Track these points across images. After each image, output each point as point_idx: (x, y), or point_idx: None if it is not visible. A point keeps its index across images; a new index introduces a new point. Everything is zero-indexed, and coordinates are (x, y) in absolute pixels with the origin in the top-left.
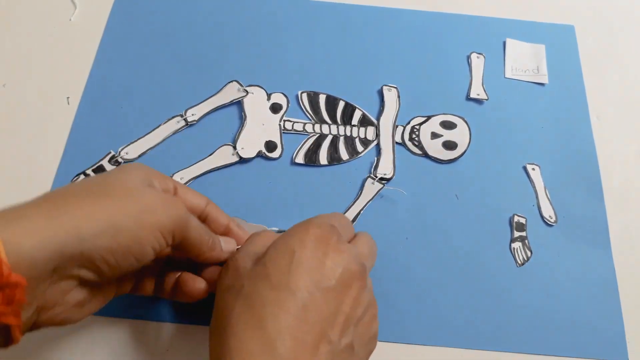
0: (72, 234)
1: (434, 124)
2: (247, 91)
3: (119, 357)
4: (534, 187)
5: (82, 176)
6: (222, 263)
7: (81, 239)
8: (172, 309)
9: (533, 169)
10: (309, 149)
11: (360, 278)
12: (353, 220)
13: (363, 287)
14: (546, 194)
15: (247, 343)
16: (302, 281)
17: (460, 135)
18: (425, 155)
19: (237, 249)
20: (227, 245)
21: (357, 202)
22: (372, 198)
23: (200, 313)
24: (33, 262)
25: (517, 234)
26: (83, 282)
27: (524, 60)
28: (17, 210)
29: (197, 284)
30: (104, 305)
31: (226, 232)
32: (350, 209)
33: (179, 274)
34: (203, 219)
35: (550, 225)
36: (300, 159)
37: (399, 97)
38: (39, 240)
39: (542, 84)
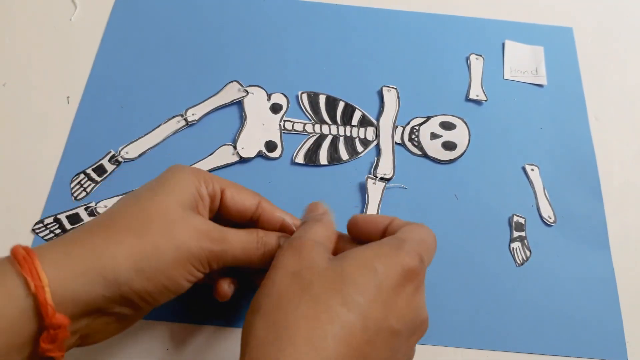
0: (110, 278)
1: (433, 125)
2: (247, 91)
3: (119, 357)
4: (533, 187)
5: (82, 175)
6: None
7: (119, 283)
8: (172, 309)
9: (532, 170)
10: (309, 149)
11: (423, 332)
12: None
13: (420, 337)
14: (545, 194)
15: (301, 355)
16: (377, 313)
17: (459, 135)
18: (425, 155)
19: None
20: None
21: (370, 205)
22: (382, 198)
23: (201, 313)
24: (76, 303)
25: (516, 234)
26: (123, 315)
27: (523, 62)
28: (61, 246)
29: (228, 289)
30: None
31: (283, 229)
32: (367, 213)
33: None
34: (255, 218)
35: (550, 226)
36: (300, 159)
37: (398, 97)
38: (82, 283)
39: (540, 86)
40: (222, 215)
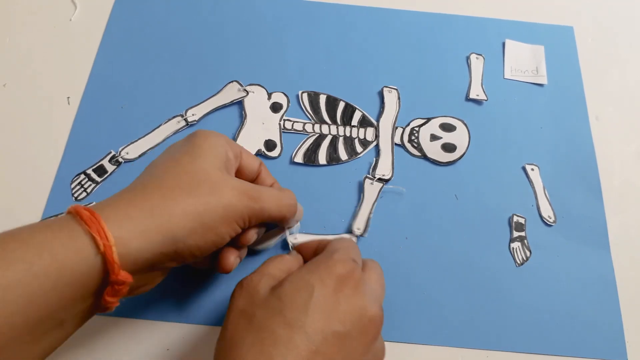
0: (169, 236)
1: (433, 126)
2: (247, 91)
3: (119, 357)
4: (533, 187)
5: (82, 176)
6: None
7: (176, 240)
8: (173, 309)
9: (532, 169)
10: (308, 149)
11: (378, 324)
12: (365, 224)
13: (379, 332)
14: (545, 194)
15: None
16: (318, 323)
17: (459, 137)
18: (424, 157)
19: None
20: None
21: (364, 204)
22: (377, 198)
23: (201, 312)
24: (136, 261)
25: (516, 234)
26: (169, 268)
27: (523, 61)
28: (120, 208)
29: (232, 259)
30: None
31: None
32: (360, 212)
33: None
34: (255, 178)
35: (550, 225)
36: (299, 158)
37: (399, 98)
38: (143, 242)
39: (541, 85)
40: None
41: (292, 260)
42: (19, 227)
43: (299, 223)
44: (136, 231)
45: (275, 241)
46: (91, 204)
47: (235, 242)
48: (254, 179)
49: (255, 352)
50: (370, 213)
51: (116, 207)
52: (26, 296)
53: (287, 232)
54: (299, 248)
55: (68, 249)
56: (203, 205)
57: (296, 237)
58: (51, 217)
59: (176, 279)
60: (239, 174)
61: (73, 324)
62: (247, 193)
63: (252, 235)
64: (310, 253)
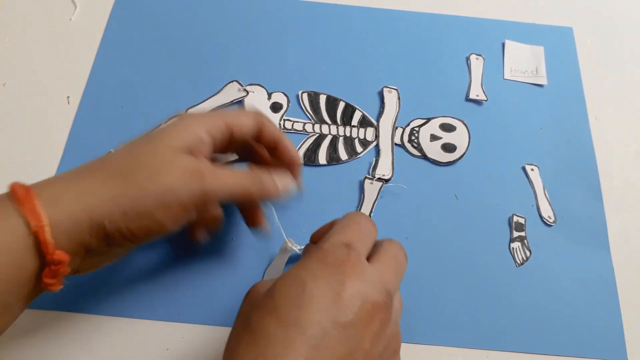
0: (96, 219)
1: (433, 126)
2: (247, 91)
3: (119, 357)
4: (533, 187)
5: None
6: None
7: (103, 224)
8: (173, 309)
9: (532, 170)
10: (308, 149)
11: (384, 309)
12: None
13: (387, 319)
14: (545, 194)
15: None
16: (314, 317)
17: (459, 137)
18: (424, 157)
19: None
20: (281, 180)
21: (364, 204)
22: (377, 197)
23: (201, 312)
24: (68, 241)
25: (516, 234)
26: (112, 251)
27: (523, 62)
28: (53, 186)
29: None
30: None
31: (275, 148)
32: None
33: None
34: (257, 136)
35: (549, 225)
36: None
37: (399, 98)
38: (71, 223)
39: (540, 85)
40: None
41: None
42: None
43: (296, 238)
44: (65, 211)
45: (282, 261)
46: (35, 182)
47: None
48: (257, 137)
49: (252, 355)
50: (370, 212)
51: (54, 185)
52: None
53: (288, 244)
54: (316, 237)
55: (3, 229)
56: (137, 190)
57: (297, 246)
58: None
59: (176, 279)
60: (233, 145)
61: (19, 306)
62: (198, 172)
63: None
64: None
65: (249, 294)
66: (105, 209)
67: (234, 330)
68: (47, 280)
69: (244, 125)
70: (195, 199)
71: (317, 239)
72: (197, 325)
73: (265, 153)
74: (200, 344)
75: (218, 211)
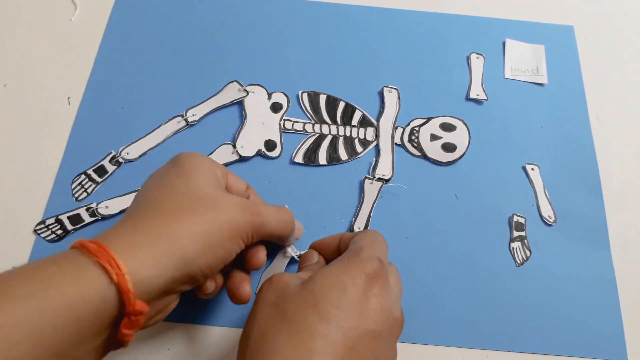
0: (180, 258)
1: (433, 126)
2: (247, 91)
3: (119, 357)
4: (533, 187)
5: (83, 176)
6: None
7: (187, 262)
8: (173, 309)
9: (532, 169)
10: (308, 149)
11: (401, 326)
12: (366, 223)
13: (399, 335)
14: (545, 194)
15: None
16: (352, 321)
17: (459, 137)
18: (424, 157)
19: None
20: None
21: (364, 204)
22: (377, 198)
23: (201, 312)
24: (150, 289)
25: (516, 233)
26: (182, 291)
27: (524, 61)
28: (125, 237)
29: (248, 288)
30: None
31: None
32: (360, 213)
33: (232, 271)
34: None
35: (550, 225)
36: (299, 158)
37: (399, 98)
38: (155, 269)
39: (541, 84)
40: None
41: (315, 254)
42: (22, 265)
43: (295, 243)
44: (146, 258)
45: (281, 266)
46: (96, 237)
47: (242, 265)
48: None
49: (292, 346)
50: (370, 212)
51: (120, 236)
52: (34, 335)
53: (289, 250)
54: (318, 246)
55: (77, 282)
56: (208, 223)
57: (297, 252)
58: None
59: None
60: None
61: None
62: (249, 208)
63: (262, 255)
64: (332, 249)
65: (272, 283)
66: (186, 246)
67: (263, 317)
68: (125, 331)
69: (236, 181)
70: (251, 230)
71: (320, 248)
72: (197, 325)
73: None
74: (200, 344)
75: (262, 253)
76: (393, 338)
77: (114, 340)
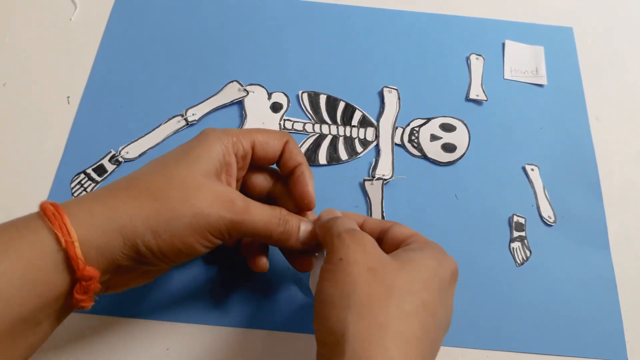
0: (129, 238)
1: (433, 126)
2: (247, 91)
3: (119, 356)
4: (533, 187)
5: (82, 175)
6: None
7: (136, 243)
8: (173, 309)
9: (532, 170)
10: (308, 149)
11: (448, 328)
12: None
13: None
14: (545, 194)
15: (400, 352)
16: (441, 313)
17: (459, 138)
18: (424, 157)
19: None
20: (305, 227)
21: (373, 207)
22: (383, 196)
23: (201, 312)
24: (100, 259)
25: (516, 234)
26: (144, 270)
27: (523, 62)
28: (86, 205)
29: (261, 263)
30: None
31: (292, 174)
32: (372, 215)
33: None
34: (279, 159)
35: (550, 225)
36: None
37: (399, 98)
38: (103, 241)
39: (541, 85)
40: (254, 164)
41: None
42: None
43: None
44: (98, 229)
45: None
46: (66, 201)
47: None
48: (277, 160)
49: (403, 325)
50: (381, 212)
51: (83, 204)
52: None
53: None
54: (362, 224)
55: (33, 247)
56: (170, 212)
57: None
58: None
59: (176, 279)
60: (257, 161)
61: (50, 324)
62: (230, 203)
63: (262, 262)
64: (375, 232)
65: (359, 244)
66: (138, 228)
67: (363, 280)
68: (78, 296)
69: (269, 145)
70: (226, 227)
71: (370, 229)
72: (197, 325)
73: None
74: (200, 344)
75: (264, 260)
76: (445, 333)
77: (73, 304)
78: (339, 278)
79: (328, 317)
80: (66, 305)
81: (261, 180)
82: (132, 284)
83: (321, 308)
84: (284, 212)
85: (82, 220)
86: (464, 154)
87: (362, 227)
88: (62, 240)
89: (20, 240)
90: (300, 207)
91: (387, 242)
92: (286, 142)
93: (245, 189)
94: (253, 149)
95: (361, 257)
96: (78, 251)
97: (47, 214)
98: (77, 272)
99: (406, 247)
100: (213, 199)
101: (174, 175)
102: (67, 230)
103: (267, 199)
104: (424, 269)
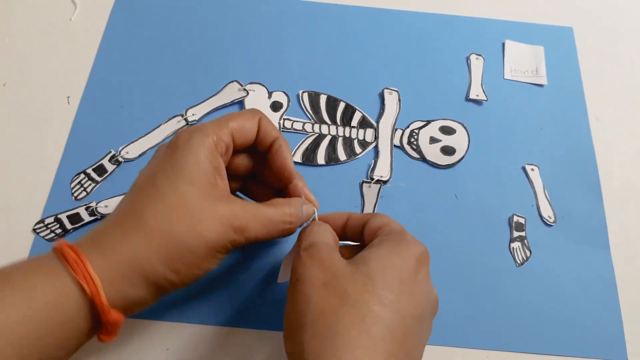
0: (150, 278)
1: (433, 129)
2: (247, 91)
3: (119, 357)
4: (533, 187)
5: (82, 175)
6: None
7: (159, 281)
8: (173, 309)
9: (532, 170)
10: (307, 149)
11: (437, 309)
12: None
13: (434, 317)
14: (545, 194)
15: (359, 358)
16: (408, 307)
17: (459, 140)
18: (423, 159)
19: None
20: (307, 210)
21: (365, 207)
22: (377, 199)
23: (201, 312)
24: (122, 301)
25: (516, 234)
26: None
27: (523, 62)
28: (99, 248)
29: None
30: None
31: (269, 149)
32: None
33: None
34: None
35: (550, 225)
36: (298, 158)
37: (399, 100)
38: (126, 285)
39: (541, 85)
40: (235, 149)
41: (330, 230)
42: (9, 267)
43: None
44: (117, 273)
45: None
46: (77, 241)
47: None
48: (255, 140)
49: (358, 331)
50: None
51: (99, 247)
52: (20, 340)
53: None
54: (324, 219)
55: (58, 293)
56: (184, 249)
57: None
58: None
59: None
60: (238, 147)
61: (66, 354)
62: (232, 225)
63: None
64: (337, 225)
65: (316, 259)
66: (158, 269)
67: (318, 296)
68: (104, 338)
69: (245, 128)
70: (232, 244)
71: (333, 224)
72: (197, 325)
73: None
74: (200, 344)
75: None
76: (432, 318)
77: (95, 337)
78: (296, 299)
79: (289, 339)
80: (86, 340)
81: (243, 160)
82: (145, 307)
83: (285, 331)
84: (286, 214)
85: (102, 265)
86: (463, 157)
87: (346, 223)
88: (88, 289)
89: (45, 285)
90: (281, 179)
91: (366, 234)
92: (259, 120)
93: (230, 172)
94: (232, 138)
95: (317, 272)
96: (103, 298)
97: (68, 260)
98: (103, 317)
99: (370, 244)
100: (219, 224)
101: (176, 204)
102: (92, 279)
103: (252, 176)
104: (379, 266)
